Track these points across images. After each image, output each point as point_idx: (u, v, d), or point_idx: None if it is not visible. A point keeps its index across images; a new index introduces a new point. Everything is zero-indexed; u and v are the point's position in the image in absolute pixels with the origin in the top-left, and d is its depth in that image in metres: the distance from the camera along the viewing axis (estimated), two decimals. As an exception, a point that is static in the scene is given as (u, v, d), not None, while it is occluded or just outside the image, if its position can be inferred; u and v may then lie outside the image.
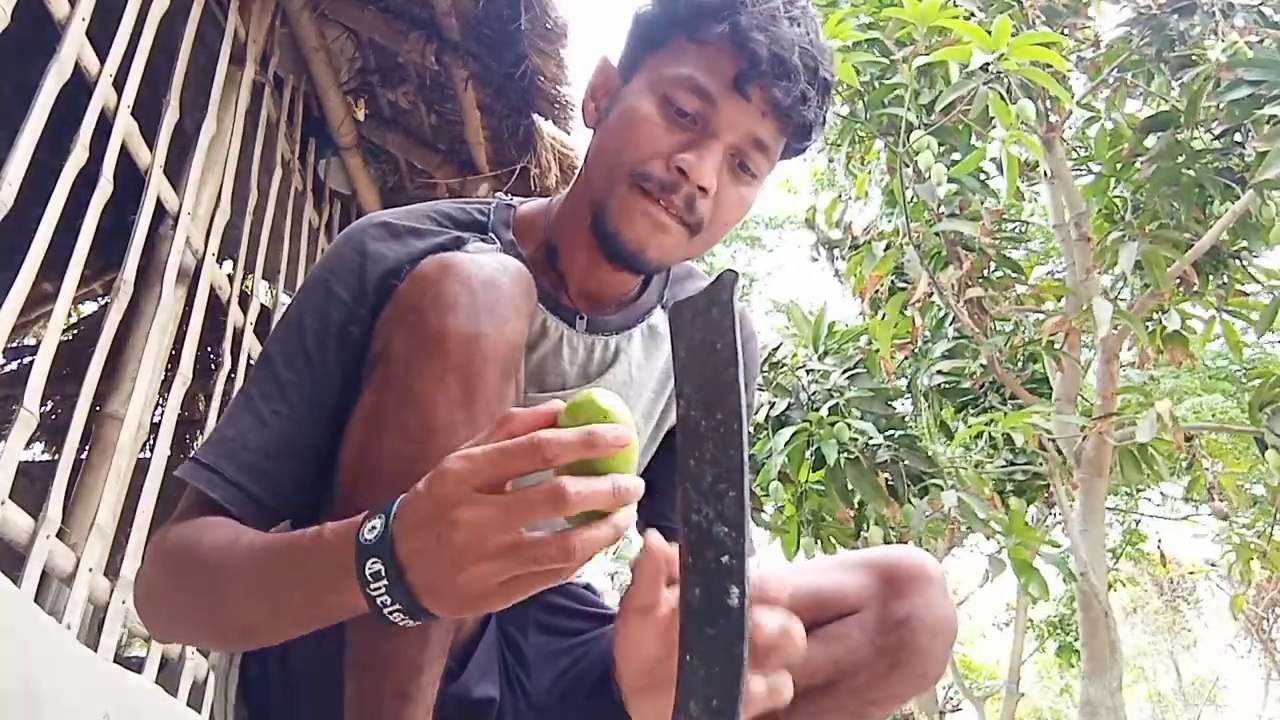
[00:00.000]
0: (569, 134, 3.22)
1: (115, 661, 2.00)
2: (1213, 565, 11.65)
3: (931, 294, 4.44)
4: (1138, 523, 10.50)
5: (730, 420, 0.56)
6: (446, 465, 0.61)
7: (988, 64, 3.22)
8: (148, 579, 0.82)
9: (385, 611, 0.64)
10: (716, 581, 0.54)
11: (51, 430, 4.10)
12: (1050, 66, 3.30)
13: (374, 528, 0.64)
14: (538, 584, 0.62)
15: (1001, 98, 3.26)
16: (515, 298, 0.81)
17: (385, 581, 0.63)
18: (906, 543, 4.00)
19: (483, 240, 0.96)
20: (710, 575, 0.55)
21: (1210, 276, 4.55)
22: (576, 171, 1.02)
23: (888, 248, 4.46)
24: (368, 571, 0.63)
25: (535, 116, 3.09)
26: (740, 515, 0.54)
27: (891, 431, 4.41)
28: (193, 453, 0.85)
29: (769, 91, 0.89)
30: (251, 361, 2.83)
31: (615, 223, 0.91)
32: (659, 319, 1.05)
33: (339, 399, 0.84)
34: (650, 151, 0.89)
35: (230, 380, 2.74)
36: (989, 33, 3.20)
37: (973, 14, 4.00)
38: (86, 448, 2.17)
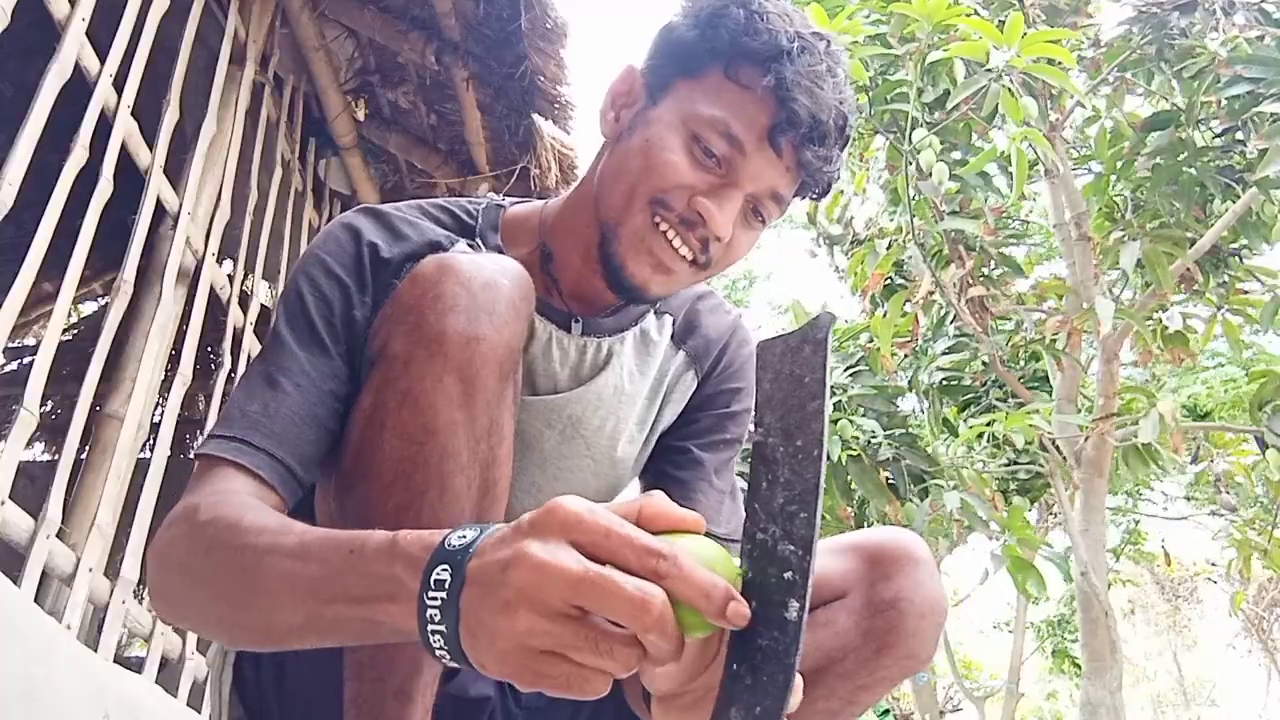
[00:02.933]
0: (569, 134, 3.22)
1: (115, 661, 2.00)
2: (1213, 565, 11.64)
3: (934, 292, 4.44)
4: (1137, 523, 10.50)
5: (810, 447, 0.58)
6: (564, 500, 0.55)
7: (997, 62, 3.22)
8: (175, 553, 0.75)
9: (430, 631, 0.56)
10: (776, 595, 0.55)
11: (51, 430, 4.11)
12: (1057, 63, 3.30)
13: (463, 535, 0.57)
14: (571, 682, 0.53)
15: (1011, 94, 3.26)
16: (514, 300, 0.80)
17: (444, 595, 0.55)
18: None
19: (469, 245, 0.95)
20: (769, 589, 0.56)
21: (1211, 275, 4.54)
22: (580, 177, 1.01)
23: (890, 245, 4.46)
24: (433, 578, 0.56)
25: (535, 116, 3.09)
26: (810, 535, 0.55)
27: (893, 430, 4.40)
28: (210, 431, 0.81)
29: (801, 153, 0.89)
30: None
31: (623, 254, 0.90)
32: (651, 324, 1.05)
33: (347, 385, 0.84)
34: (673, 184, 0.88)
35: (230, 380, 2.73)
36: (999, 30, 3.20)
37: (975, 11, 3.99)
38: (86, 448, 2.17)
